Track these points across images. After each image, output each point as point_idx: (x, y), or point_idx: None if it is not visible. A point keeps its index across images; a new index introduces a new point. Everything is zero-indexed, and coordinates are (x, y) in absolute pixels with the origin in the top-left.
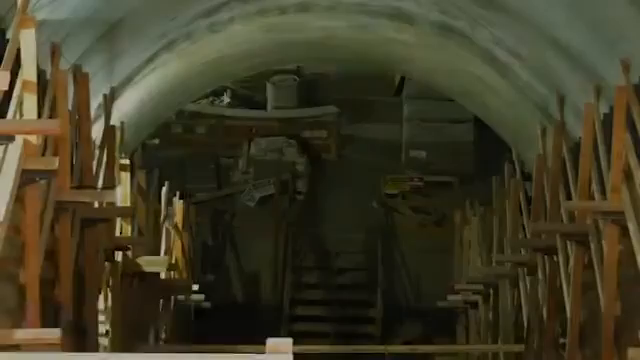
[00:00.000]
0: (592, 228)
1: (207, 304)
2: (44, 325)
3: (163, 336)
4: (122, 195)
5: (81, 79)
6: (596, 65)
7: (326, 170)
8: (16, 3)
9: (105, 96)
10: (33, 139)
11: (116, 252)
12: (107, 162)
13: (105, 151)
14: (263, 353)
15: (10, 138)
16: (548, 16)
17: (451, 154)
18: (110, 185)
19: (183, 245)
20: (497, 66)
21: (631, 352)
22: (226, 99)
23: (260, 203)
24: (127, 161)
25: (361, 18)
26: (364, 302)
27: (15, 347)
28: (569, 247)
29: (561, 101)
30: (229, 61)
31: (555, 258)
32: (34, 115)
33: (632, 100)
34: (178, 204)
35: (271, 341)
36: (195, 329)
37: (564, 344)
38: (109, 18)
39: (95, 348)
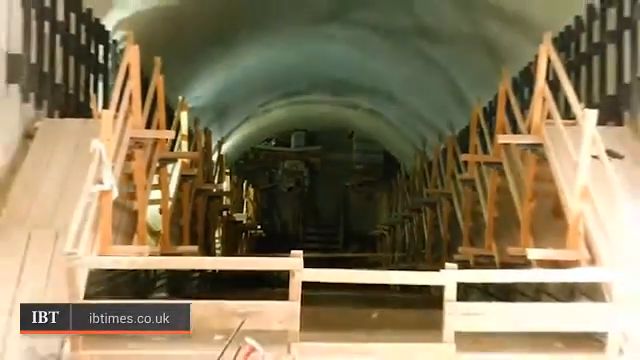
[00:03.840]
0: (439, 200)
1: (264, 235)
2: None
3: (244, 249)
4: (226, 186)
5: (207, 134)
6: (439, 126)
7: (318, 176)
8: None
9: (218, 141)
10: (186, 161)
11: (223, 211)
12: (219, 171)
13: (218, 165)
14: (289, 257)
15: (174, 160)
16: (417, 104)
17: (373, 168)
18: (221, 181)
19: (254, 208)
20: (395, 128)
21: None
22: (272, 142)
23: (288, 190)
24: (228, 170)
25: (332, 106)
26: (334, 234)
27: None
28: (428, 210)
29: (423, 142)
30: (273, 126)
31: (422, 215)
32: (186, 150)
33: (455, 145)
34: (251, 190)
35: (293, 252)
36: (257, 247)
37: (424, 254)
38: (220, 105)
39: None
